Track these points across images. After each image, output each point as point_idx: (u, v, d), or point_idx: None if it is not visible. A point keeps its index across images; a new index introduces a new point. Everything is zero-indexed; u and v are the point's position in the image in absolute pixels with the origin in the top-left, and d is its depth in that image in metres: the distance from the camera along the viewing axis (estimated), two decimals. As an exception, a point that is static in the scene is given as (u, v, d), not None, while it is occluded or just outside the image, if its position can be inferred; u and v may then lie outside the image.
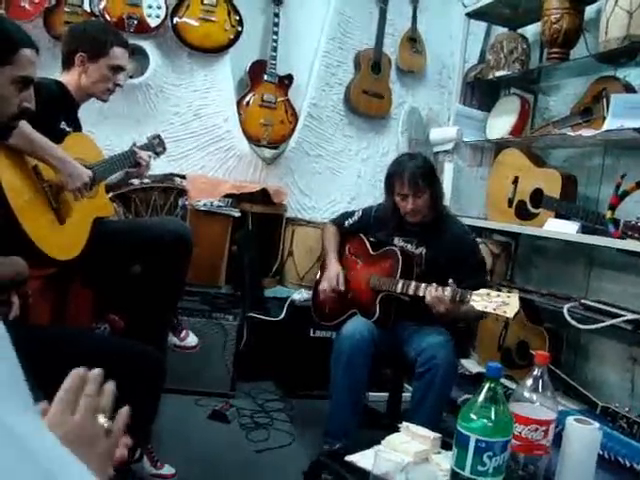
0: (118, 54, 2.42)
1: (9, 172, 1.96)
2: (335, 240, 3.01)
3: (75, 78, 2.40)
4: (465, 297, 2.33)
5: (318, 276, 3.07)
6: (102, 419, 0.84)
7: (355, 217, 3.02)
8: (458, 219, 2.96)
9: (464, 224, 2.91)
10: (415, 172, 2.65)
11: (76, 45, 2.38)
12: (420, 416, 2.38)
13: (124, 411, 0.90)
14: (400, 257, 2.69)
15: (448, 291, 2.39)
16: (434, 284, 2.44)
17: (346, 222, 3.03)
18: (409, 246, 2.79)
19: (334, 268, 2.89)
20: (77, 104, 2.48)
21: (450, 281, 2.40)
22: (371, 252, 2.87)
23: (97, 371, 0.88)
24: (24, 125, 1.87)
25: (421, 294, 2.49)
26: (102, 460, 0.82)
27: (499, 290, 2.32)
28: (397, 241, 2.81)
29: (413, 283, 2.56)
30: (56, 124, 2.30)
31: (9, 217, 1.91)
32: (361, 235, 2.95)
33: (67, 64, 2.41)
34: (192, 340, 2.72)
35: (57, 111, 2.30)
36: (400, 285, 2.60)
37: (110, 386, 0.90)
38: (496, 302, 2.21)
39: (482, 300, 2.25)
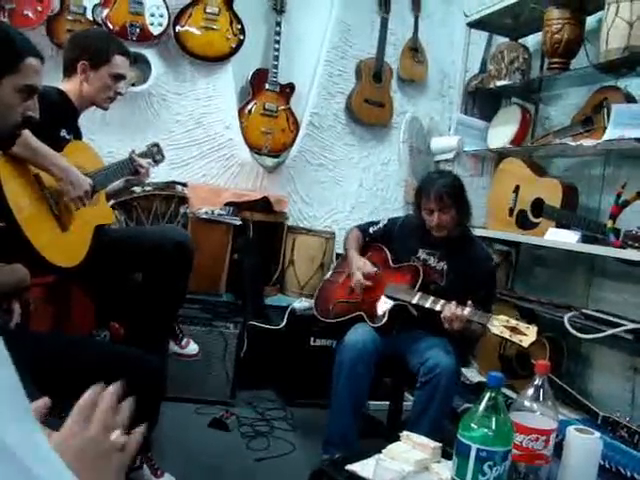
0: (119, 62, 2.44)
1: (12, 181, 1.96)
2: (357, 242, 3.04)
3: (77, 86, 2.41)
4: (484, 320, 2.35)
5: (329, 275, 3.13)
6: (117, 434, 0.85)
7: (380, 225, 3.06)
8: (481, 241, 2.97)
9: (485, 247, 2.94)
10: (441, 189, 2.70)
11: (78, 53, 2.39)
12: (423, 425, 2.39)
13: (140, 429, 0.91)
14: (421, 272, 2.72)
15: (467, 311, 2.41)
16: (454, 302, 2.46)
17: (371, 229, 3.06)
18: (432, 259, 2.81)
19: (358, 259, 2.92)
20: (78, 112, 2.49)
21: (469, 302, 2.43)
22: (391, 263, 2.89)
23: (114, 387, 0.89)
24: (26, 134, 1.87)
25: (438, 309, 2.51)
26: (116, 474, 0.82)
27: (517, 319, 2.35)
28: (421, 253, 2.84)
29: (431, 297, 2.57)
30: (57, 132, 2.30)
31: (12, 225, 1.91)
32: (383, 246, 2.98)
33: (69, 72, 2.43)
34: (193, 348, 2.72)
35: (58, 119, 2.31)
36: (417, 297, 2.61)
37: (127, 403, 0.91)
38: (513, 330, 2.24)
39: (500, 325, 2.28)
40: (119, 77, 2.45)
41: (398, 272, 2.83)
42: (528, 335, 2.20)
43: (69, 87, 2.41)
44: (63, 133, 2.34)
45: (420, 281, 2.70)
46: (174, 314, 2.62)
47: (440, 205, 2.69)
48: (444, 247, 2.80)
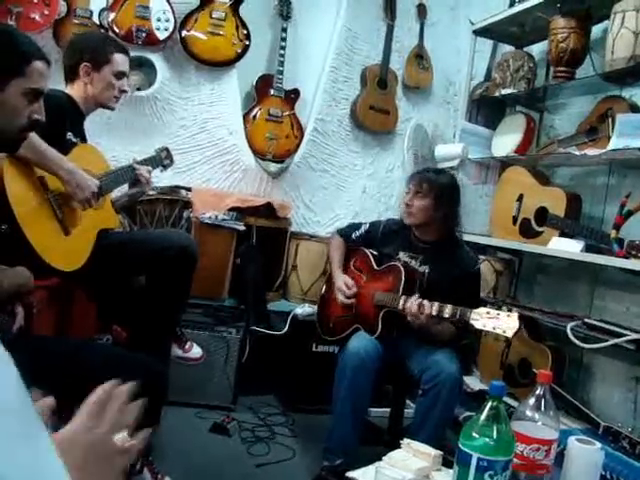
0: (119, 60, 2.47)
1: (15, 183, 1.97)
2: (340, 252, 3.02)
3: (81, 89, 2.43)
4: (465, 315, 2.33)
5: (323, 290, 3.08)
6: (123, 437, 0.85)
7: (362, 230, 3.03)
8: (467, 247, 2.91)
9: (472, 252, 2.87)
10: (425, 175, 2.74)
11: (78, 57, 2.42)
12: (424, 433, 2.38)
13: (142, 434, 0.90)
14: (403, 272, 2.69)
15: (448, 308, 2.41)
16: (436, 302, 2.45)
17: (353, 234, 3.04)
18: (413, 262, 2.78)
19: (339, 278, 2.91)
20: (84, 116, 2.50)
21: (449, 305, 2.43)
22: (375, 267, 2.87)
23: (125, 387, 0.89)
24: (33, 136, 1.88)
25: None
26: (117, 476, 0.82)
27: (499, 308, 2.32)
28: (402, 255, 2.81)
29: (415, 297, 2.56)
30: (64, 135, 2.31)
31: (14, 227, 1.91)
32: (365, 249, 2.96)
33: (71, 77, 2.45)
34: (196, 351, 2.73)
35: (65, 122, 2.32)
36: (402, 301, 2.60)
37: (135, 405, 0.91)
38: (495, 321, 2.21)
39: (481, 319, 2.25)
40: (121, 74, 2.48)
41: (382, 275, 2.81)
42: (510, 324, 2.17)
43: (74, 92, 2.43)
44: (70, 136, 2.35)
45: (403, 280, 2.67)
46: (177, 318, 2.62)
47: (417, 188, 2.71)
48: (427, 251, 2.78)
